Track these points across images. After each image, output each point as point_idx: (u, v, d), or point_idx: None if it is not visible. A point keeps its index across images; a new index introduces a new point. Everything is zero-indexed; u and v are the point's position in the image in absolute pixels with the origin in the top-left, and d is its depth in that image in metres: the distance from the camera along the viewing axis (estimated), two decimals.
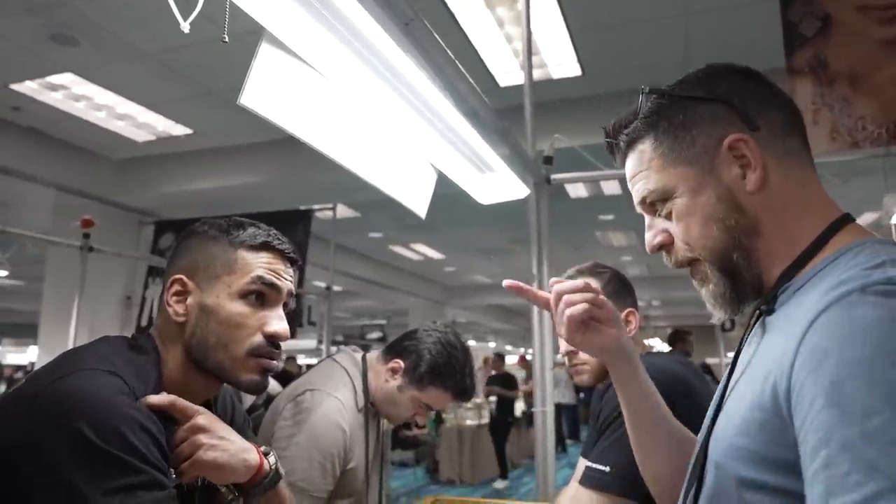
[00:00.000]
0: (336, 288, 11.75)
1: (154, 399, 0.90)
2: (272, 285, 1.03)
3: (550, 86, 4.78)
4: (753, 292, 0.82)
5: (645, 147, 0.86)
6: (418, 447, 9.63)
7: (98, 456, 0.77)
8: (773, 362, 0.69)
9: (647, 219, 0.89)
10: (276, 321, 1.03)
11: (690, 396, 1.33)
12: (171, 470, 0.90)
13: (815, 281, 0.73)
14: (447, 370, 1.70)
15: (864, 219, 7.62)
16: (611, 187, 7.08)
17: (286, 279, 1.06)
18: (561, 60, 4.55)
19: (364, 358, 1.82)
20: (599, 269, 1.61)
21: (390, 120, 1.45)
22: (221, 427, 0.97)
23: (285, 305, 1.06)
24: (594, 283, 1.56)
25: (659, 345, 18.87)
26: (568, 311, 0.90)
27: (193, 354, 0.99)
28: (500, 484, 8.45)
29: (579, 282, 0.93)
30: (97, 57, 4.44)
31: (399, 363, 1.72)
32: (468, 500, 1.89)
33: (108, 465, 0.77)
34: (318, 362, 1.98)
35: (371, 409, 1.78)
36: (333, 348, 6.07)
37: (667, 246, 0.86)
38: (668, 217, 0.85)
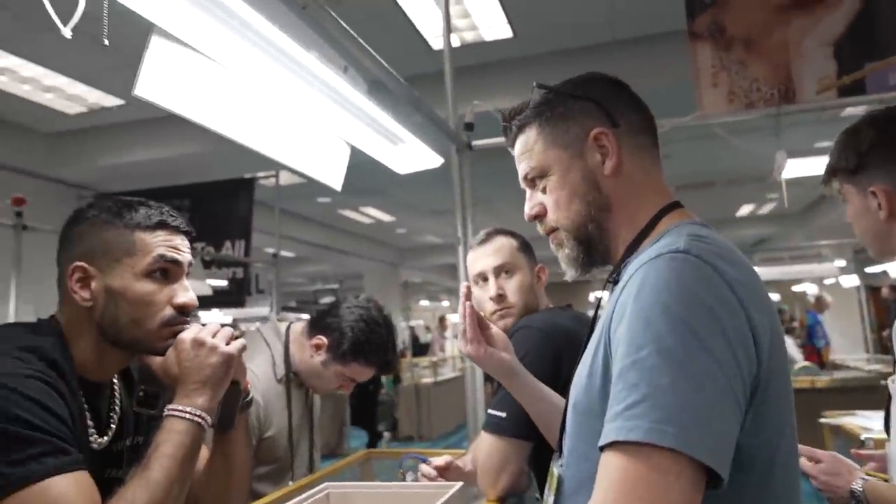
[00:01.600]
0: (287, 254, 11.71)
1: None
2: (174, 261, 1.12)
3: (483, 48, 4.83)
4: (603, 259, 1.01)
5: (531, 132, 1.03)
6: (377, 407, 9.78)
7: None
8: (606, 318, 0.87)
9: (528, 192, 1.06)
10: (183, 293, 1.13)
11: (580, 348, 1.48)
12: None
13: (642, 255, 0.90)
14: (369, 347, 1.76)
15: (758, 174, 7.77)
16: None
17: (185, 252, 1.15)
18: (492, 23, 4.60)
19: (288, 329, 1.88)
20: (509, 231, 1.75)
21: (293, 101, 1.52)
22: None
23: (187, 275, 1.16)
24: (508, 241, 1.70)
25: None
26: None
27: (108, 334, 1.09)
28: None
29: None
30: (16, 27, 4.30)
31: (322, 340, 1.78)
32: (394, 451, 2.03)
33: (10, 441, 0.88)
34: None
35: (296, 378, 1.86)
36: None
37: (541, 216, 1.03)
38: (544, 191, 1.02)
